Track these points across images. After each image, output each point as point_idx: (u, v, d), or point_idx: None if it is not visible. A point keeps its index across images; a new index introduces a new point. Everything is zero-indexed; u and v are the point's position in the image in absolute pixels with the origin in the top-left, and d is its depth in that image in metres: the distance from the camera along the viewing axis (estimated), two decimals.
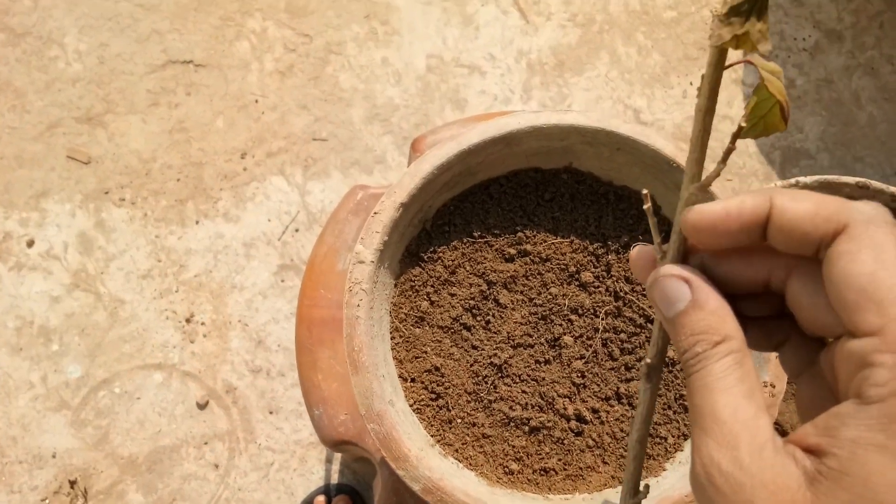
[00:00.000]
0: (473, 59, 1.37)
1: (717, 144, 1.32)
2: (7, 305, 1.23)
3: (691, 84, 1.35)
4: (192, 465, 1.18)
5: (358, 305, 0.46)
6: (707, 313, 0.26)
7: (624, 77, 1.35)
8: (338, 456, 1.20)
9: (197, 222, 1.28)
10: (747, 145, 1.32)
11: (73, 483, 1.18)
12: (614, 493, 0.47)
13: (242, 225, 1.28)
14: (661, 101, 1.34)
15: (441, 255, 0.53)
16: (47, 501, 1.17)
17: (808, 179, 1.19)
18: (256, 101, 1.34)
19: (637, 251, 0.30)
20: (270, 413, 1.20)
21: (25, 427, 1.19)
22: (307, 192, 1.30)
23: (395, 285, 0.53)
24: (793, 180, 1.19)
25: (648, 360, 0.30)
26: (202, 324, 1.23)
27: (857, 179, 1.19)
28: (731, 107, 1.34)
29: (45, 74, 1.35)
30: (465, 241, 0.54)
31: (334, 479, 1.19)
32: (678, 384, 0.50)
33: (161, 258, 1.26)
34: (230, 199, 1.29)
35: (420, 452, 0.45)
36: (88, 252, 1.26)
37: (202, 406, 1.20)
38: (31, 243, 1.26)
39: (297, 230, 1.28)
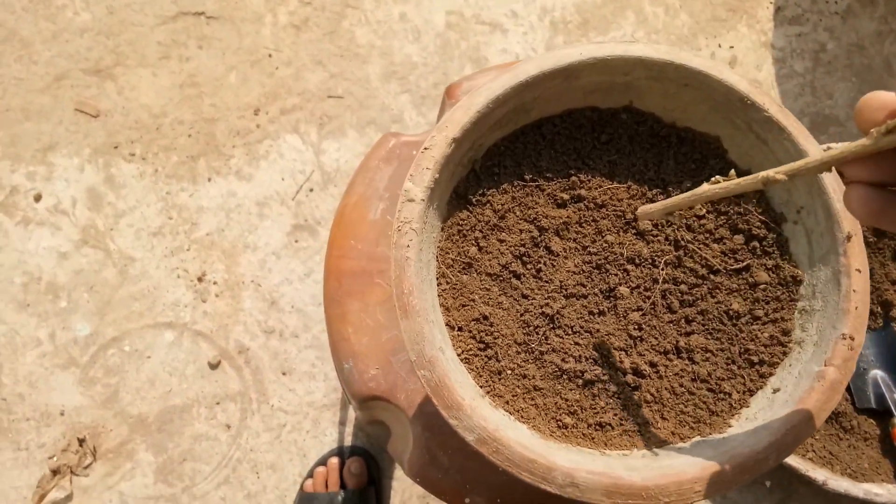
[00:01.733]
0: (495, 16, 1.32)
1: None
2: (14, 261, 1.20)
3: (720, 46, 1.30)
4: (204, 426, 1.16)
5: (408, 246, 0.43)
6: None
7: (650, 38, 1.31)
8: (351, 418, 1.18)
9: (209, 180, 1.24)
10: None
11: (81, 441, 1.16)
12: (676, 451, 0.45)
13: (255, 183, 1.24)
14: None
15: (490, 198, 0.50)
16: (55, 458, 1.15)
17: (839, 146, 1.17)
18: (270, 56, 1.30)
19: (880, 96, 0.29)
20: (283, 374, 1.18)
21: (33, 384, 1.17)
22: (322, 151, 1.26)
23: (442, 229, 0.50)
24: (823, 146, 1.16)
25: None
26: (214, 283, 1.20)
27: None
28: (760, 70, 1.30)
29: (52, 24, 1.30)
30: (515, 184, 0.51)
31: (347, 441, 1.17)
32: (743, 338, 0.47)
33: (172, 215, 1.22)
34: (243, 157, 1.25)
35: (473, 402, 0.43)
36: (97, 208, 1.22)
37: (214, 366, 1.17)
38: (38, 198, 1.22)
39: (311, 190, 1.25)
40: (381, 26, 1.32)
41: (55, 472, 1.15)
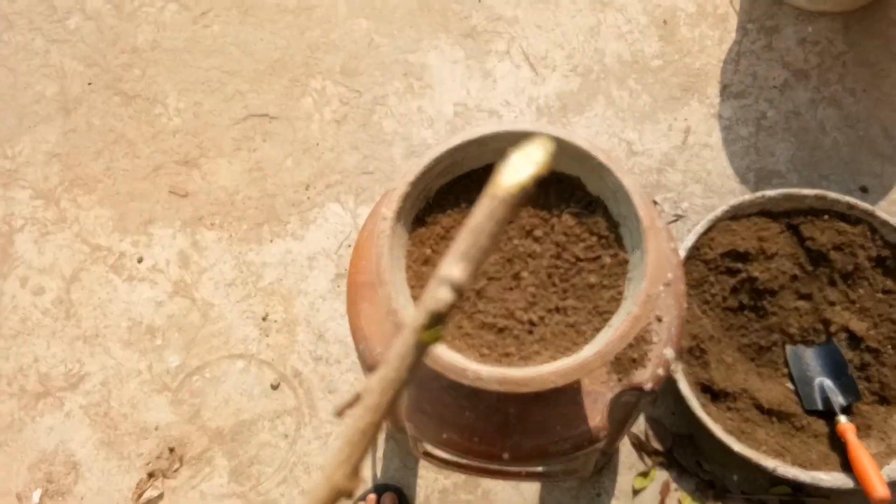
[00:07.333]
0: (492, 105, 1.66)
1: (699, 168, 1.56)
2: (121, 309, 1.55)
3: (675, 119, 1.60)
4: (267, 436, 1.45)
5: (382, 244, 0.74)
6: None
7: (618, 115, 1.62)
8: (380, 456, 1.43)
9: (271, 241, 1.58)
10: (724, 168, 1.56)
11: (171, 450, 1.46)
12: (553, 368, 0.72)
13: (307, 242, 1.58)
14: (651, 133, 1.60)
15: (440, 220, 0.80)
16: (150, 465, 1.45)
17: (772, 192, 1.41)
18: (317, 144, 1.66)
19: None
20: (329, 393, 1.47)
21: (134, 406, 1.49)
22: (358, 215, 1.60)
23: (409, 238, 0.80)
24: (759, 193, 1.41)
25: None
26: (275, 321, 1.52)
27: (816, 191, 1.40)
28: (711, 136, 1.58)
29: (151, 128, 1.69)
30: (457, 210, 0.81)
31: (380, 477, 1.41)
32: (597, 299, 0.75)
33: (243, 270, 1.56)
34: (297, 222, 1.59)
35: None
36: (186, 266, 1.57)
37: (275, 387, 1.47)
38: (140, 260, 1.58)
39: (349, 245, 1.57)
40: (403, 118, 1.67)
41: (150, 475, 1.45)
